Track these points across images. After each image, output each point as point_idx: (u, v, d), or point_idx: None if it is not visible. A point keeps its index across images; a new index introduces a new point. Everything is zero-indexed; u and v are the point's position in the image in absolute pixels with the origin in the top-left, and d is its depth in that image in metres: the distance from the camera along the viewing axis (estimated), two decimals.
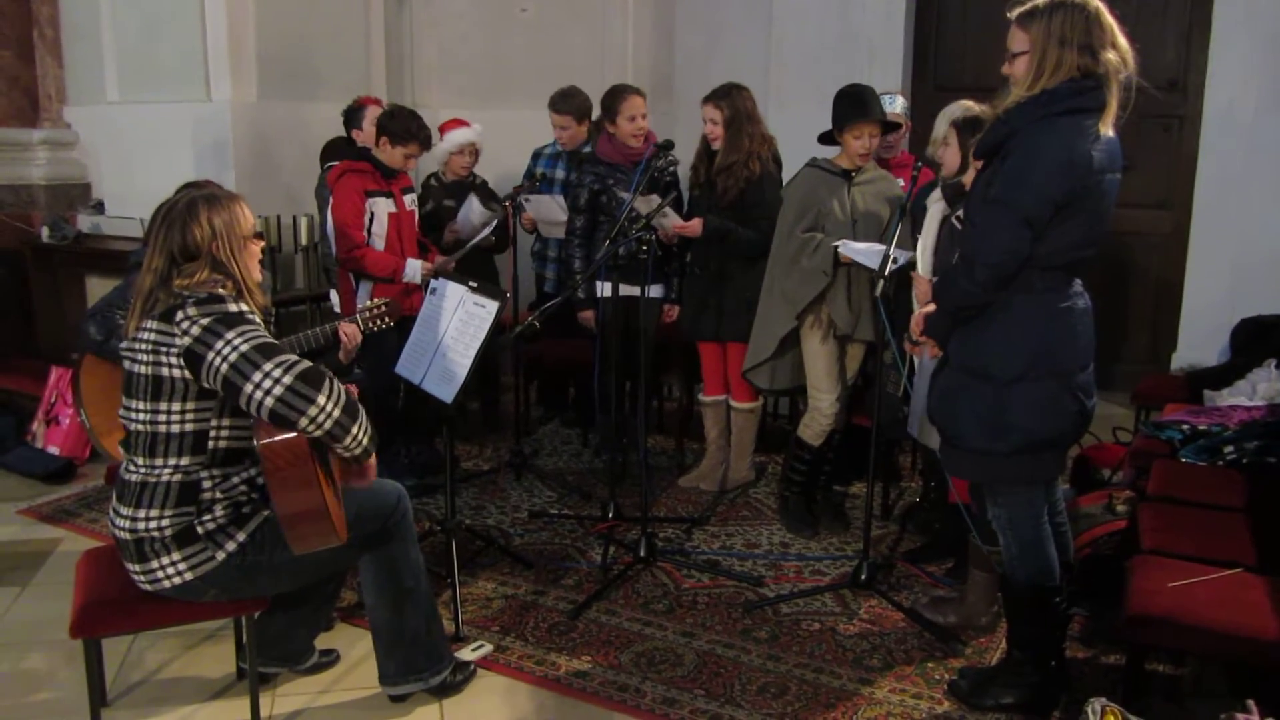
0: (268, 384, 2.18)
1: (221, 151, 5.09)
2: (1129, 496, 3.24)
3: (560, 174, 4.76)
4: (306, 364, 2.23)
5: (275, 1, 5.15)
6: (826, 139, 3.68)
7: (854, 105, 3.56)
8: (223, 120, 5.07)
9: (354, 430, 2.28)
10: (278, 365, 2.19)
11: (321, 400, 2.21)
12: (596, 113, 4.55)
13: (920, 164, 3.34)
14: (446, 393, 3.05)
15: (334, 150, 4.69)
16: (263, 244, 2.47)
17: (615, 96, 4.15)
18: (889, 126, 3.77)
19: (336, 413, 2.23)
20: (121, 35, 5.32)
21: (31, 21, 5.53)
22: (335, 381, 2.25)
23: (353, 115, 4.70)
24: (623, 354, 3.79)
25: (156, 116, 5.20)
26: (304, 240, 5.22)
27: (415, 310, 3.52)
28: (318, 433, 2.23)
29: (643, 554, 3.53)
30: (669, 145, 3.84)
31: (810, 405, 3.79)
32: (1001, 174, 2.38)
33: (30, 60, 5.55)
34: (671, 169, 4.23)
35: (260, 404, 2.18)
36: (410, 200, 4.18)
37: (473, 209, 4.47)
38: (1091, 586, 3.07)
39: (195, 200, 2.36)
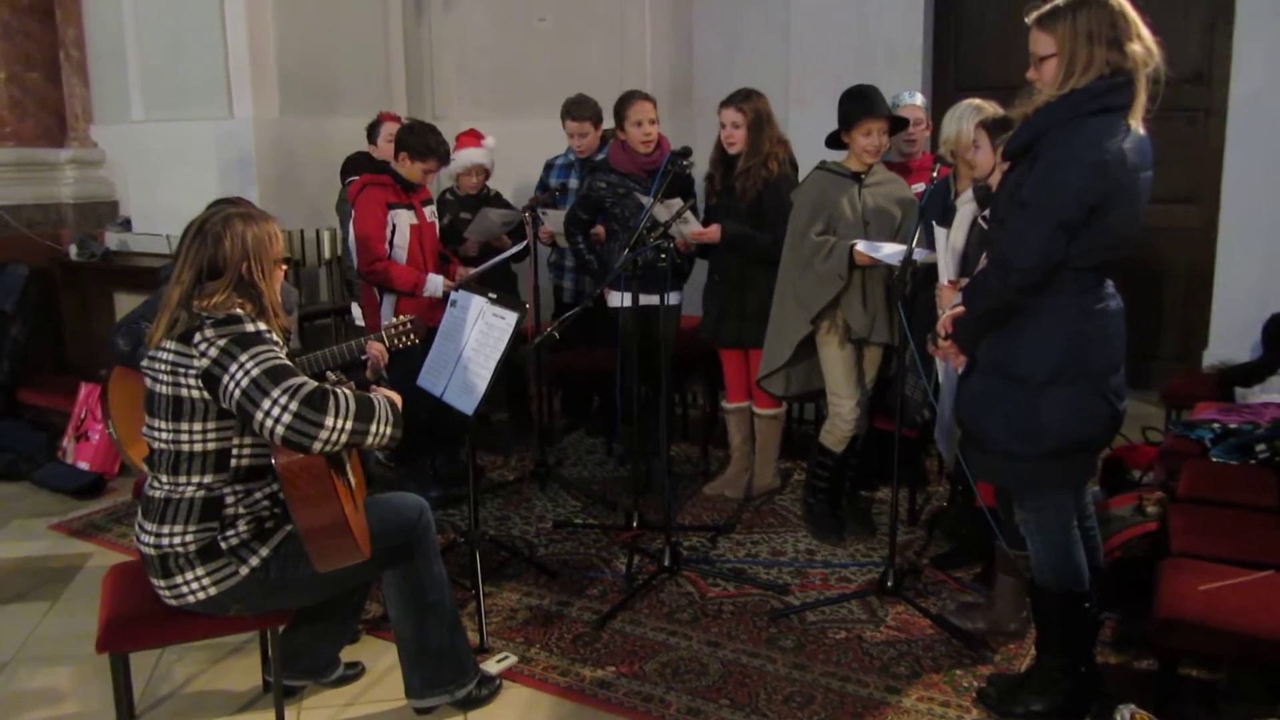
0: (276, 411, 2.18)
1: (245, 167, 5.13)
2: (1160, 498, 3.18)
3: (575, 184, 4.76)
4: (311, 386, 2.22)
5: (296, 18, 5.20)
6: (834, 143, 3.66)
7: (860, 103, 3.55)
8: (246, 136, 5.11)
9: (373, 428, 2.28)
10: (285, 391, 2.19)
11: (330, 421, 2.20)
12: (608, 122, 4.55)
13: (938, 164, 3.31)
14: (467, 404, 3.05)
15: (354, 165, 4.73)
16: (287, 269, 2.49)
17: (623, 102, 4.14)
18: (898, 124, 3.75)
19: (349, 425, 2.23)
20: (145, 55, 5.38)
21: (58, 43, 5.61)
22: (339, 394, 2.25)
23: (372, 131, 4.74)
24: (644, 363, 3.78)
25: (181, 134, 5.25)
26: (327, 254, 5.26)
27: (438, 322, 3.53)
28: (335, 449, 2.23)
29: (667, 563, 3.52)
30: (685, 152, 3.83)
31: (830, 411, 3.76)
32: (1032, 176, 2.35)
33: (57, 81, 5.63)
34: (688, 170, 4.21)
35: (271, 431, 2.19)
36: (430, 212, 4.20)
37: (488, 217, 4.47)
38: (1122, 590, 3.02)
39: (231, 216, 2.37)
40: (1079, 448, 2.48)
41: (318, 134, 5.27)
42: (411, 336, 3.06)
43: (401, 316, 3.10)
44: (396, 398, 2.42)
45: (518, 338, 3.09)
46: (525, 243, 4.45)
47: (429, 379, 3.25)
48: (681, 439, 5.01)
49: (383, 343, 2.99)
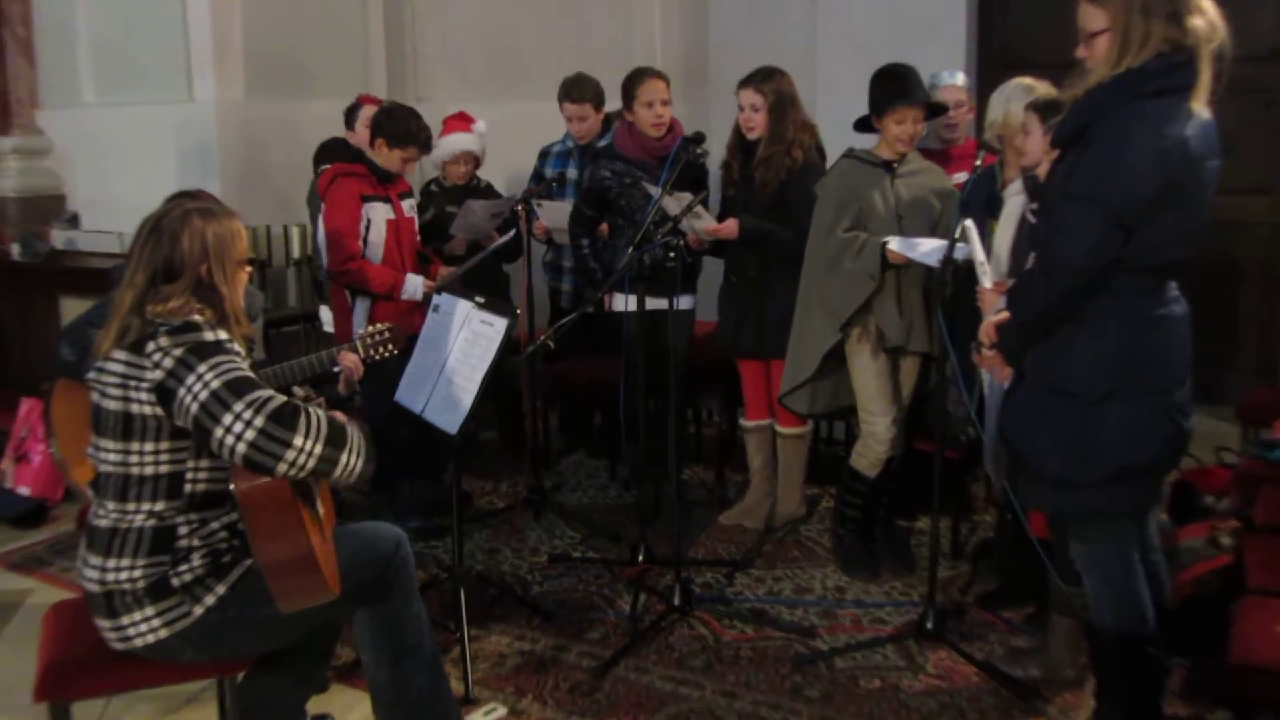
0: (238, 427, 2.19)
1: (205, 156, 5.17)
2: (1234, 527, 3.17)
3: (574, 174, 4.79)
4: (279, 401, 2.23)
5: None
6: (863, 126, 3.67)
7: (893, 86, 3.56)
8: (207, 122, 5.15)
9: (343, 459, 2.28)
10: (249, 405, 2.20)
11: (298, 441, 2.21)
12: (612, 105, 4.57)
13: (982, 151, 3.31)
14: (451, 422, 3.06)
15: (329, 152, 4.75)
16: (251, 271, 2.50)
17: (632, 80, 4.16)
18: (935, 110, 3.75)
19: (318, 448, 2.24)
20: (98, 31, 5.44)
21: (2, 20, 5.66)
22: (312, 413, 2.26)
23: (350, 115, 4.77)
24: (652, 375, 3.78)
25: (136, 120, 5.30)
26: (296, 252, 5.29)
27: (418, 329, 3.54)
28: (301, 474, 2.24)
29: (678, 602, 3.51)
30: (699, 138, 3.83)
31: (863, 430, 3.75)
32: (1083, 165, 2.35)
33: (0, 61, 5.68)
34: (701, 159, 4.22)
35: (232, 450, 2.19)
36: (409, 206, 4.23)
37: (472, 209, 4.49)
38: (1192, 633, 3.00)
39: (190, 212, 2.39)
40: (1140, 471, 2.47)
41: (287, 119, 5.31)
42: (390, 347, 3.07)
43: (379, 324, 3.11)
44: (367, 430, 2.42)
45: (508, 347, 3.09)
46: (513, 232, 4.48)
47: (408, 393, 3.26)
48: (694, 461, 5.00)
49: (357, 353, 3.00)
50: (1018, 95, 3.26)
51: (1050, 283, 2.41)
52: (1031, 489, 2.60)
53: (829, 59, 5.73)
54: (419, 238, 4.33)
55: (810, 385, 3.81)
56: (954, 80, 4.09)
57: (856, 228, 3.60)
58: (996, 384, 2.80)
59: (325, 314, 4.54)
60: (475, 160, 4.74)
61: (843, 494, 3.90)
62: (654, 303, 3.87)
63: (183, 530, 2.35)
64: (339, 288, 4.12)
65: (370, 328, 3.11)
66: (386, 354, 3.08)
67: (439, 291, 3.45)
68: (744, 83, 3.94)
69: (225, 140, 5.18)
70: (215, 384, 2.21)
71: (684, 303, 4.20)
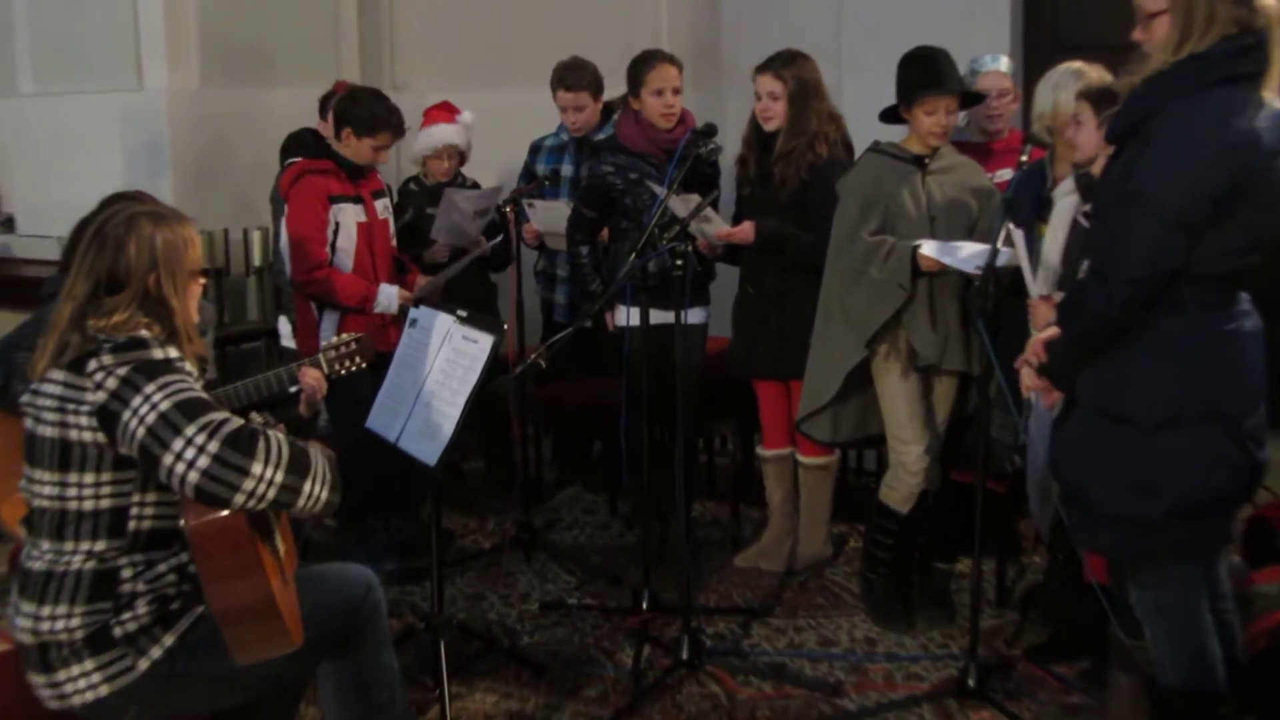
0: (190, 454, 2.20)
1: (157, 151, 5.20)
2: None
3: (569, 170, 4.81)
4: (235, 424, 2.25)
5: None
6: (892, 117, 3.69)
7: (922, 72, 3.59)
8: (158, 113, 5.19)
9: (307, 488, 2.30)
10: (202, 429, 2.21)
11: (257, 468, 2.22)
12: (612, 91, 4.59)
13: (1029, 145, 3.32)
14: (430, 452, 3.07)
15: (298, 146, 4.75)
16: (205, 283, 2.52)
17: (640, 65, 4.19)
18: (970, 99, 3.77)
19: (279, 476, 2.25)
20: (38, 14, 5.47)
21: None
22: (271, 437, 2.27)
23: (325, 104, 4.78)
24: (657, 398, 3.79)
25: (79, 111, 5.33)
26: (257, 259, 5.31)
27: (392, 346, 3.55)
28: (260, 506, 2.25)
29: (686, 655, 3.50)
30: (710, 130, 3.85)
31: (892, 460, 3.76)
32: (1142, 162, 2.36)
33: None
34: (713, 155, 4.23)
35: (184, 479, 2.20)
36: (383, 206, 4.25)
37: (454, 204, 4.51)
38: (1267, 690, 2.99)
39: (138, 216, 2.40)
40: (1208, 507, 2.47)
41: (249, 109, 5.34)
42: (357, 360, 3.08)
43: (344, 335, 3.12)
44: (333, 455, 2.43)
45: (495, 366, 3.10)
46: (501, 237, 4.49)
47: (381, 419, 3.27)
48: (706, 495, 5.00)
49: (320, 369, 3.01)
50: (1067, 82, 3.28)
51: (1105, 294, 2.42)
52: (1086, 527, 2.60)
53: (856, 41, 5.75)
54: (395, 242, 4.36)
55: (832, 409, 3.81)
56: (997, 65, 4.11)
57: (884, 231, 3.61)
58: (1045, 408, 2.80)
59: (287, 328, 4.56)
60: (460, 155, 4.77)
61: (872, 533, 3.89)
62: (660, 316, 3.88)
63: (126, 573, 2.35)
64: (304, 300, 4.14)
65: (334, 339, 3.12)
66: (353, 368, 3.08)
67: (416, 304, 3.46)
68: (761, 68, 3.97)
69: (179, 133, 5.21)
70: (164, 406, 2.23)
71: (694, 316, 4.21)
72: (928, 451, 3.70)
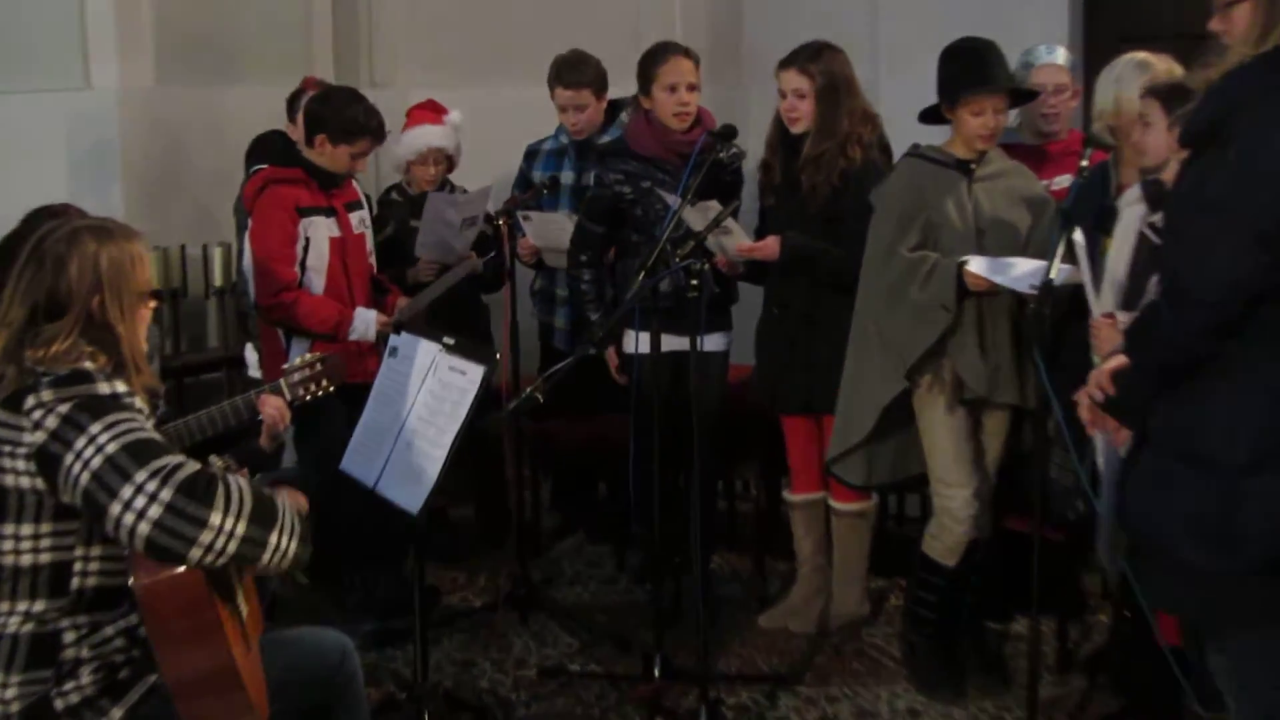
0: (140, 502, 2.19)
1: (106, 157, 5.23)
2: None
3: (569, 177, 4.83)
4: (191, 469, 2.25)
5: None
6: (933, 117, 3.71)
7: (968, 67, 3.60)
8: (107, 114, 5.21)
9: (273, 540, 2.29)
10: (153, 475, 2.21)
11: (216, 519, 2.22)
12: (617, 90, 4.60)
13: (1090, 148, 3.33)
14: (412, 498, 3.07)
15: (265, 150, 4.78)
16: (155, 305, 2.52)
17: (651, 58, 4.20)
18: (1021, 96, 3.77)
19: (241, 528, 2.25)
20: None
21: None
22: (232, 483, 2.27)
23: (293, 104, 4.81)
24: (671, 435, 3.79)
25: (17, 112, 5.33)
26: (218, 279, 5.33)
27: (370, 378, 3.56)
28: (220, 562, 2.25)
29: None
30: (729, 132, 3.85)
31: (937, 506, 3.75)
32: (1220, 168, 2.35)
33: None
34: (735, 160, 4.25)
35: (133, 531, 2.20)
36: (360, 220, 4.28)
37: (440, 212, 4.51)
38: None
39: (80, 231, 2.41)
40: None
41: (210, 110, 5.38)
42: (324, 384, 3.09)
43: (308, 356, 3.13)
44: (303, 502, 2.43)
45: (487, 400, 3.10)
46: (491, 254, 4.50)
47: (358, 461, 3.27)
48: (727, 546, 5.00)
49: (281, 396, 3.01)
50: (1131, 76, 3.28)
51: (1179, 318, 2.41)
52: (1159, 583, 2.58)
53: (894, 31, 5.77)
54: (373, 260, 4.38)
55: (868, 448, 3.81)
56: (1053, 58, 4.12)
57: (925, 245, 3.61)
58: (1113, 447, 2.79)
59: (252, 357, 4.57)
60: (447, 160, 4.78)
61: (915, 589, 3.88)
62: (674, 342, 3.88)
63: (69, 637, 2.35)
64: (270, 325, 4.16)
65: (297, 360, 3.13)
66: (319, 393, 3.09)
67: (397, 330, 3.47)
68: (785, 62, 3.99)
69: (131, 137, 5.24)
70: (111, 448, 2.23)
71: (712, 342, 4.21)
72: (976, 496, 3.68)
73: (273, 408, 2.95)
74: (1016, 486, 3.80)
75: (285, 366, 3.09)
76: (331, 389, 3.09)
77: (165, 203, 5.27)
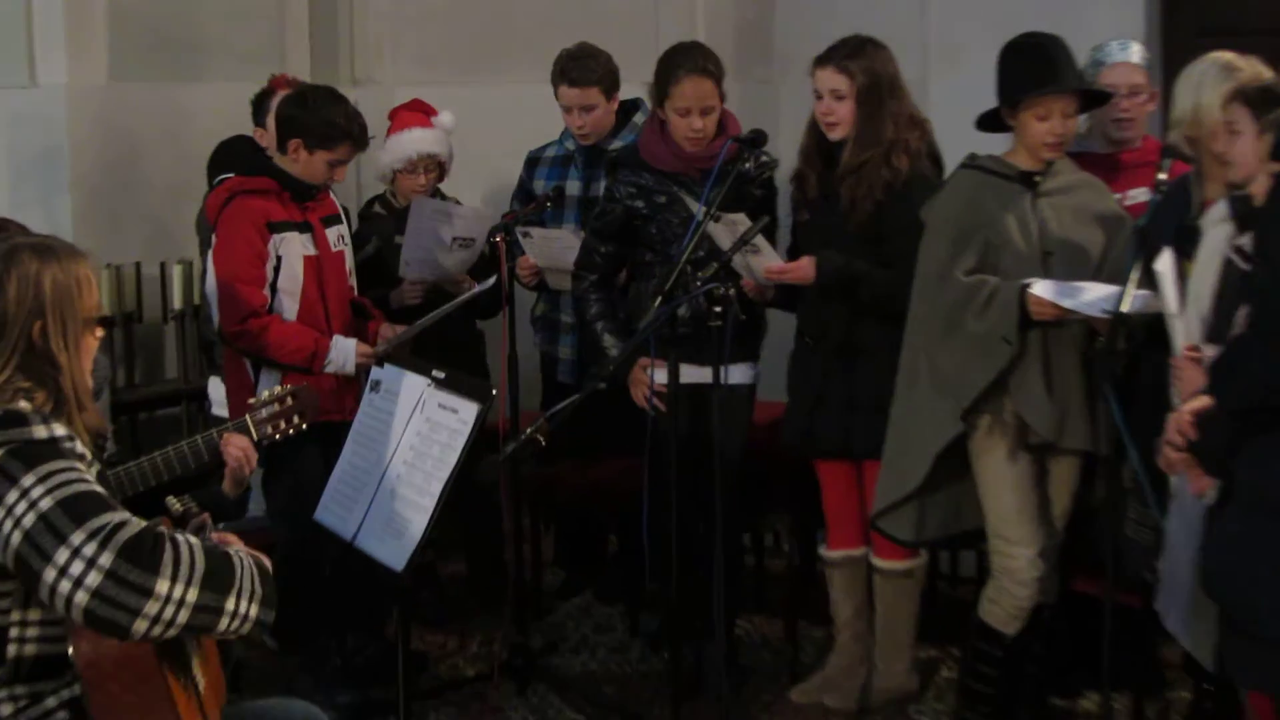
0: (78, 569, 2.19)
1: (52, 163, 5.24)
2: None
3: (575, 187, 4.83)
4: (134, 528, 2.24)
5: None
6: (991, 123, 3.71)
7: (1034, 66, 3.59)
8: (55, 115, 5.23)
9: (230, 604, 2.29)
10: (91, 536, 2.20)
11: (163, 587, 2.21)
12: (631, 89, 4.61)
13: (1168, 159, 3.32)
14: (396, 554, 3.08)
15: (229, 158, 4.79)
16: (103, 334, 2.53)
17: (665, 71, 4.15)
18: (1093, 99, 3.77)
19: (192, 595, 2.24)
20: None
21: None
22: (181, 543, 2.26)
23: (260, 105, 4.82)
24: (690, 480, 3.78)
25: None
26: (178, 302, 5.33)
27: (349, 416, 3.56)
28: (169, 633, 2.24)
29: None
30: (758, 138, 3.86)
31: (996, 566, 3.74)
32: None
33: None
34: (765, 171, 4.25)
35: (69, 602, 2.19)
36: (338, 236, 4.28)
37: (427, 217, 4.51)
38: None
39: (19, 249, 2.42)
40: None
41: (170, 110, 5.40)
42: (295, 420, 3.08)
43: (278, 389, 3.12)
44: (265, 559, 2.43)
45: (482, 442, 3.10)
46: (493, 279, 4.49)
47: (334, 511, 3.28)
48: (754, 609, 4.99)
49: (247, 434, 3.01)
50: (1214, 79, 3.27)
51: (1270, 356, 2.40)
52: (1248, 657, 2.57)
53: (947, 23, 5.78)
54: (353, 281, 4.39)
55: (918, 500, 3.79)
56: (1126, 55, 4.11)
57: (983, 268, 3.61)
58: (1194, 499, 2.78)
59: (217, 390, 4.57)
60: (439, 167, 4.79)
61: (970, 660, 3.86)
62: (694, 373, 3.87)
63: (6, 710, 2.35)
64: (236, 355, 4.16)
65: (265, 394, 3.12)
66: (291, 432, 3.08)
67: (380, 361, 3.47)
68: (822, 60, 3.98)
69: (81, 141, 5.25)
70: (45, 504, 2.22)
71: (738, 374, 4.18)
72: (1041, 555, 3.67)
73: (237, 448, 2.95)
74: (1087, 544, 3.79)
75: (252, 401, 3.09)
76: (304, 426, 3.08)
77: (118, 215, 5.28)
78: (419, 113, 4.80)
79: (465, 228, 4.61)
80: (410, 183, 4.76)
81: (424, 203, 4.58)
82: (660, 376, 3.86)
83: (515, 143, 5.10)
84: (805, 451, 4.19)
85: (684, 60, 4.17)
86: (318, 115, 4.05)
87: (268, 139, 4.60)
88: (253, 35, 5.71)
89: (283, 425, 3.06)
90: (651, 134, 4.27)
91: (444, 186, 4.92)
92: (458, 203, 4.92)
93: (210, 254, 4.16)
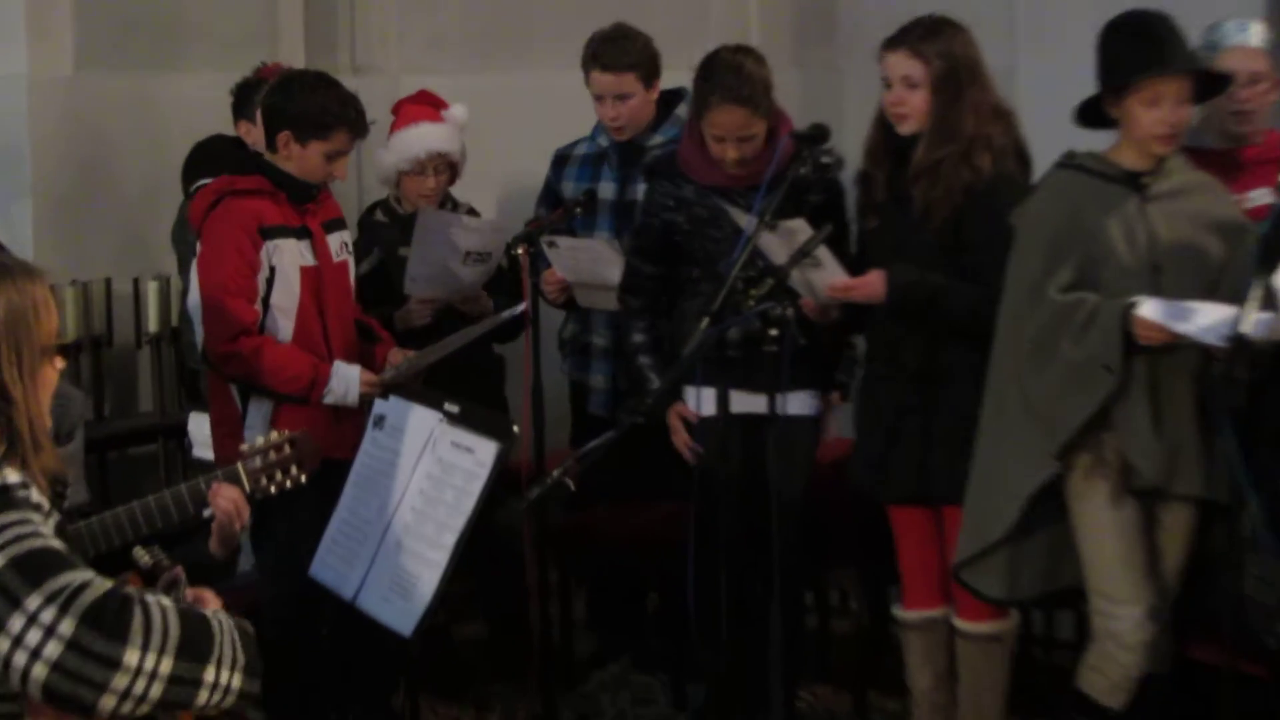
0: (34, 638, 2.20)
1: (9, 164, 5.32)
2: None
3: (610, 189, 4.83)
4: (98, 590, 2.24)
5: None
6: (1091, 115, 3.71)
7: (1141, 47, 3.59)
8: (13, 108, 5.30)
9: (210, 677, 2.29)
10: (49, 600, 2.21)
11: (132, 657, 2.23)
12: (674, 76, 4.63)
13: None
14: (402, 615, 3.08)
15: (211, 158, 4.82)
16: (64, 365, 2.55)
17: (698, 86, 4.18)
18: (1213, 84, 3.76)
19: (166, 666, 2.25)
20: None
21: None
22: (152, 607, 2.27)
23: (245, 97, 4.85)
24: (743, 528, 3.78)
25: None
26: (153, 324, 5.36)
27: (349, 455, 3.57)
28: (141, 710, 2.26)
29: None
30: (819, 133, 3.86)
31: (1098, 628, 3.73)
32: None
33: None
34: (829, 175, 4.22)
35: (26, 675, 2.21)
36: (341, 243, 4.30)
37: (436, 226, 4.53)
38: None
39: None
40: None
41: (144, 104, 5.48)
42: (294, 471, 3.09)
43: (276, 434, 3.14)
44: (247, 624, 2.44)
45: (502, 485, 3.11)
46: (523, 306, 4.46)
47: (331, 566, 3.29)
48: (818, 678, 4.98)
49: (239, 485, 3.02)
50: None
51: None
52: None
53: (1037, 2, 5.79)
54: (355, 297, 4.41)
55: (1007, 551, 3.78)
56: (1245, 38, 4.10)
57: (1082, 285, 3.59)
58: None
59: (200, 427, 4.58)
60: (450, 168, 4.83)
61: None
62: (747, 402, 3.87)
63: None
64: (221, 382, 4.18)
65: (261, 440, 3.13)
66: (288, 484, 3.09)
67: (385, 392, 3.48)
68: (894, 41, 3.99)
69: (43, 138, 5.32)
70: None
71: (798, 404, 4.20)
72: (1151, 616, 3.65)
73: (227, 500, 2.94)
74: (1203, 604, 3.78)
75: (245, 447, 3.09)
76: (303, 479, 3.09)
77: (86, 224, 5.35)
78: (427, 105, 4.83)
79: (479, 241, 4.64)
80: (417, 186, 4.79)
81: (431, 215, 4.61)
82: (707, 407, 3.86)
83: (539, 139, 5.12)
84: (877, 495, 4.18)
85: (717, 85, 4.17)
86: (306, 100, 4.08)
87: (255, 134, 4.61)
88: (239, 17, 5.76)
89: (279, 476, 3.06)
90: (691, 144, 4.30)
91: (456, 190, 4.95)
92: (471, 211, 4.95)
93: (194, 264, 4.16)
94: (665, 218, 4.28)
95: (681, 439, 4.31)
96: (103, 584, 2.26)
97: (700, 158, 4.24)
